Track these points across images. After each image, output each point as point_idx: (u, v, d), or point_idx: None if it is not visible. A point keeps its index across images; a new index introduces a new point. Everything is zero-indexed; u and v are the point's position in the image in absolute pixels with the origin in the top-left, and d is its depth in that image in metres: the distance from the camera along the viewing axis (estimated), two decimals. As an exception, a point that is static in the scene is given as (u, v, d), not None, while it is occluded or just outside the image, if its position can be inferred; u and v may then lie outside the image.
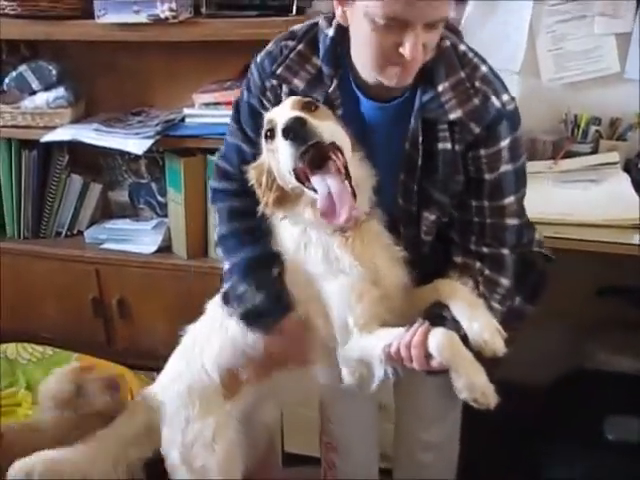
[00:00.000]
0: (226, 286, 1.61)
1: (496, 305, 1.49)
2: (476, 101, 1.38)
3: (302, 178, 1.37)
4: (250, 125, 1.56)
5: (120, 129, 2.58)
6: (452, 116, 1.38)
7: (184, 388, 1.68)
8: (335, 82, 1.43)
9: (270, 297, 1.51)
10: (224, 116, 2.13)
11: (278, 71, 1.47)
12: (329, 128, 1.36)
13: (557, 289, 1.73)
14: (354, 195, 1.35)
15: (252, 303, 1.53)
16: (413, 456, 1.89)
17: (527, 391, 2.05)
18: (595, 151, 2.41)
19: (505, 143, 1.41)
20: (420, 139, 1.41)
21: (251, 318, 1.55)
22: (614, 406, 1.56)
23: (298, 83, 1.46)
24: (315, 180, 1.35)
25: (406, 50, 1.29)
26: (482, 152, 1.42)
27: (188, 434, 1.66)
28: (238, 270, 1.57)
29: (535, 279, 1.68)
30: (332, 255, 1.44)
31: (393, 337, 1.36)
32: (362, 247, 1.44)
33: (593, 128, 2.41)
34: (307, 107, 1.39)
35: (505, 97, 1.41)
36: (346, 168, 1.36)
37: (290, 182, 1.40)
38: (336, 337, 1.47)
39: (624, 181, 2.23)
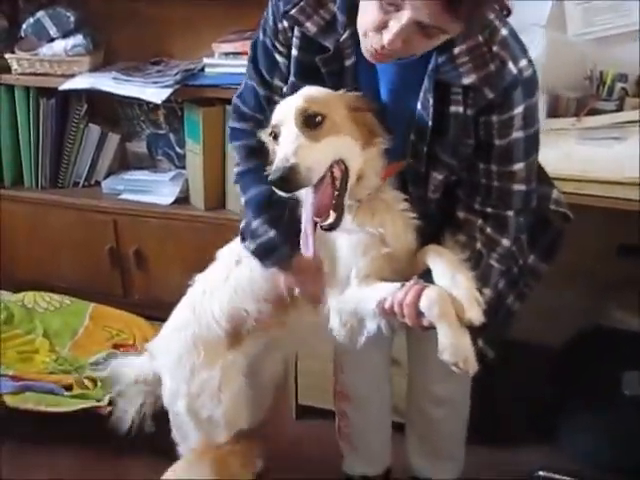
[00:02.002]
0: (243, 222, 1.62)
1: (495, 263, 1.48)
2: (492, 67, 1.34)
3: None
4: (265, 66, 1.54)
5: (139, 78, 2.56)
6: (466, 81, 1.35)
7: (189, 337, 1.67)
8: (348, 31, 1.39)
9: (282, 233, 1.52)
10: (244, 66, 2.08)
11: (292, 12, 1.43)
12: (327, 154, 1.33)
13: (577, 247, 1.72)
14: (336, 208, 1.33)
15: (265, 238, 1.54)
16: (424, 410, 1.89)
17: (544, 348, 2.05)
18: (620, 109, 2.35)
19: (519, 110, 1.38)
20: (431, 101, 1.38)
21: (264, 253, 1.56)
22: (630, 363, 1.54)
23: (310, 27, 1.42)
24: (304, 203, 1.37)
25: (384, 35, 1.26)
26: (494, 118, 1.38)
27: (194, 384, 1.66)
28: (252, 206, 1.58)
29: (550, 237, 1.66)
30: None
31: (388, 292, 1.36)
32: (373, 215, 1.43)
33: (619, 85, 2.36)
34: (311, 122, 1.34)
35: (523, 62, 1.36)
36: (342, 179, 1.35)
37: None
38: (333, 287, 1.47)
39: (648, 140, 2.19)
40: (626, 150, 2.16)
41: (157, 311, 2.40)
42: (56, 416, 2.23)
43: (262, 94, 1.56)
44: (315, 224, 1.34)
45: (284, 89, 1.51)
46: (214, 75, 2.51)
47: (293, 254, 1.51)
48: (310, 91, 1.39)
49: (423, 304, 1.30)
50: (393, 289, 1.36)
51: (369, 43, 1.31)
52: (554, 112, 2.38)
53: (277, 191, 1.30)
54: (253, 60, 1.57)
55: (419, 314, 1.32)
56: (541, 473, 2.12)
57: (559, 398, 1.78)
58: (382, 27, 1.26)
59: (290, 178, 1.26)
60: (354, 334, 1.47)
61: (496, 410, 2.23)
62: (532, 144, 1.44)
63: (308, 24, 1.42)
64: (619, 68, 2.36)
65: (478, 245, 1.47)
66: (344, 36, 1.40)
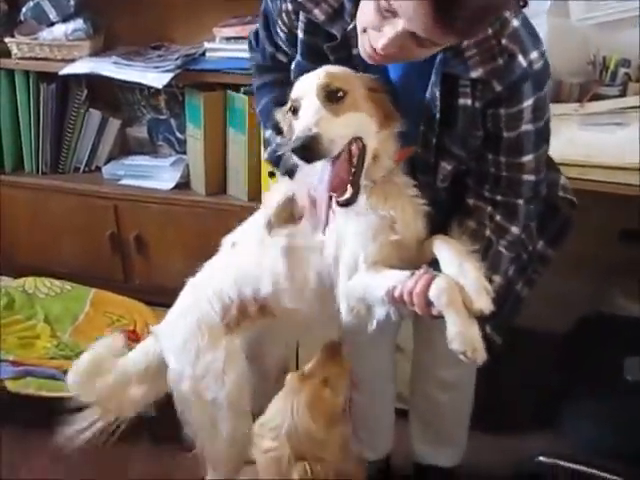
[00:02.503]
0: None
1: (504, 251, 1.48)
2: (500, 61, 1.32)
3: None
4: (273, 28, 1.55)
5: (140, 63, 2.55)
6: (473, 74, 1.34)
7: (193, 320, 1.68)
8: (355, 20, 1.37)
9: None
10: (245, 50, 2.09)
11: None
12: (347, 128, 1.33)
13: (579, 232, 1.71)
14: (354, 184, 1.34)
15: (274, 145, 1.57)
16: (429, 394, 1.90)
17: (546, 335, 2.05)
18: (623, 94, 2.34)
19: (528, 103, 1.37)
20: (438, 94, 1.37)
21: (275, 160, 1.58)
22: (632, 349, 1.54)
23: (318, 14, 1.41)
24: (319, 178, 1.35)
25: (379, 39, 1.25)
26: (502, 111, 1.38)
27: (198, 366, 1.67)
28: (263, 115, 1.63)
29: (559, 224, 1.66)
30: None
31: (398, 280, 1.36)
32: (384, 200, 1.42)
33: (622, 70, 2.35)
34: (333, 97, 1.34)
35: (534, 55, 1.34)
36: (359, 156, 1.35)
37: None
38: (340, 272, 1.47)
39: (651, 125, 2.18)
40: (629, 135, 2.15)
41: (158, 296, 2.40)
42: (57, 401, 2.23)
43: (269, 50, 1.59)
44: (330, 199, 1.33)
45: (289, 53, 1.54)
46: (215, 60, 2.50)
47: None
48: (331, 69, 1.39)
49: (432, 293, 1.30)
50: (403, 277, 1.36)
51: (366, 42, 1.30)
52: (557, 97, 2.37)
53: (297, 160, 1.30)
54: (264, 15, 1.58)
55: (428, 303, 1.31)
56: (542, 459, 2.12)
57: (561, 384, 1.79)
58: (376, 29, 1.25)
59: (312, 147, 1.26)
60: (362, 320, 1.47)
61: (498, 396, 2.23)
62: (542, 136, 1.44)
63: (316, 11, 1.41)
64: (622, 53, 2.35)
65: (487, 232, 1.47)
66: (351, 25, 1.39)
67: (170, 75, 2.46)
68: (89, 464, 2.25)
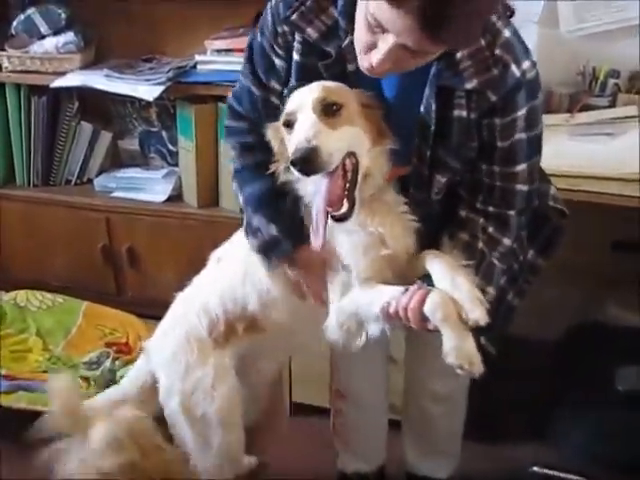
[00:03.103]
0: (244, 220, 1.61)
1: (496, 262, 1.48)
2: (495, 71, 1.33)
3: None
4: (262, 66, 1.53)
5: (131, 75, 2.55)
6: (468, 85, 1.34)
7: (182, 335, 1.68)
8: (350, 37, 1.37)
9: (284, 227, 1.51)
10: (236, 63, 2.11)
11: (292, 17, 1.42)
12: (343, 142, 1.33)
13: (572, 242, 1.72)
14: (347, 197, 1.33)
15: (266, 234, 1.53)
16: (422, 407, 1.90)
17: (538, 344, 2.06)
18: (613, 105, 2.35)
19: (522, 112, 1.37)
20: (434, 106, 1.37)
21: (267, 249, 1.54)
22: (624, 358, 1.54)
23: (311, 32, 1.41)
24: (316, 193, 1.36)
25: (373, 56, 1.26)
26: (497, 121, 1.38)
27: (188, 381, 1.66)
28: (251, 202, 1.57)
29: (549, 233, 1.66)
30: None
31: (391, 296, 1.36)
32: (374, 216, 1.42)
33: (612, 81, 2.36)
34: (329, 110, 1.34)
35: (526, 64, 1.35)
36: (353, 171, 1.35)
37: None
38: (333, 289, 1.47)
39: (641, 135, 2.20)
40: (619, 146, 2.17)
41: (150, 309, 2.39)
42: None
43: (257, 95, 1.55)
44: (327, 214, 1.33)
45: (284, 91, 1.50)
46: (206, 72, 2.50)
47: (296, 248, 1.50)
48: (326, 83, 1.39)
49: (427, 308, 1.30)
50: (396, 293, 1.35)
51: (363, 61, 1.31)
52: (547, 108, 2.37)
53: (295, 173, 1.30)
54: (249, 61, 1.55)
55: (424, 318, 1.31)
56: (535, 469, 2.13)
57: (554, 394, 1.79)
58: (372, 47, 1.26)
59: (312, 159, 1.26)
60: (351, 336, 1.46)
61: (491, 406, 2.23)
62: (535, 145, 1.44)
63: (309, 30, 1.41)
64: (612, 64, 2.36)
65: (480, 244, 1.47)
66: (346, 42, 1.39)
67: (161, 88, 2.46)
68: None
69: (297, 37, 1.44)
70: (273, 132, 1.46)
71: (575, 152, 2.13)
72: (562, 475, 2.09)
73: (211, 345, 1.65)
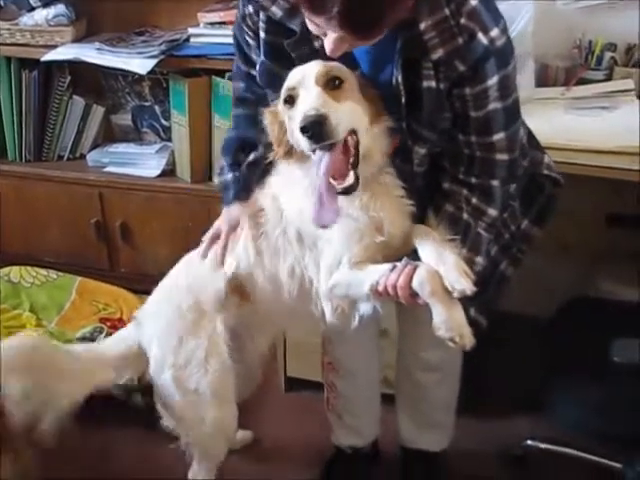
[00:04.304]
0: None
1: (483, 232, 1.49)
2: (460, 40, 1.32)
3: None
4: (242, 42, 1.56)
5: (123, 49, 2.53)
6: (434, 56, 1.33)
7: (176, 305, 1.67)
8: None
9: (236, 177, 1.62)
10: (229, 35, 2.08)
11: None
12: (348, 115, 1.33)
13: (566, 216, 1.71)
14: (354, 168, 1.33)
15: (224, 178, 1.65)
16: (415, 377, 1.90)
17: (532, 319, 2.06)
18: (609, 78, 2.34)
19: (493, 81, 1.35)
20: (400, 78, 1.37)
21: (221, 190, 1.67)
22: (619, 331, 1.54)
23: (275, 11, 1.41)
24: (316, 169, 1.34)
25: (325, 44, 1.28)
26: (467, 90, 1.37)
27: (181, 354, 1.66)
28: (225, 145, 1.69)
29: (543, 202, 1.66)
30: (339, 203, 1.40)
31: (380, 274, 1.37)
32: (371, 200, 1.42)
33: (608, 54, 2.34)
34: (331, 84, 1.34)
35: (494, 32, 1.33)
36: (356, 148, 1.35)
37: (300, 148, 1.39)
38: (321, 271, 1.46)
39: (637, 109, 2.18)
40: (615, 119, 2.15)
41: (143, 284, 2.39)
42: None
43: (243, 69, 1.60)
44: (333, 188, 1.32)
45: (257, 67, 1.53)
46: (199, 45, 2.48)
47: (234, 202, 1.62)
48: (324, 62, 1.37)
49: (415, 284, 1.31)
50: (385, 271, 1.36)
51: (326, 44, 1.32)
52: (543, 81, 2.37)
53: (304, 141, 1.30)
54: (234, 35, 1.59)
55: (413, 294, 1.33)
56: (529, 442, 2.14)
57: (548, 368, 1.79)
58: (324, 34, 1.28)
59: (322, 125, 1.26)
60: (345, 318, 1.48)
61: (484, 381, 2.24)
62: (511, 114, 1.43)
63: (273, 8, 1.42)
64: (608, 37, 2.34)
65: (465, 215, 1.47)
66: None
67: (154, 61, 2.44)
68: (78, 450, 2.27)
69: (262, 16, 1.45)
70: (271, 116, 1.46)
71: (570, 126, 2.12)
72: (557, 448, 2.11)
73: (204, 316, 1.64)
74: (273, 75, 1.49)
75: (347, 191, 1.33)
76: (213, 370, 1.65)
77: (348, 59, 1.40)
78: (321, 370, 2.06)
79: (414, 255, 1.38)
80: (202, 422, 1.70)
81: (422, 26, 1.32)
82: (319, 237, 1.45)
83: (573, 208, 1.93)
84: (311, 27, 1.30)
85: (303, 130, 1.27)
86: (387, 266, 1.37)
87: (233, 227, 1.61)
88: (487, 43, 1.32)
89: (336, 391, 2.02)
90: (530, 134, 1.62)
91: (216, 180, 1.74)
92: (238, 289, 1.62)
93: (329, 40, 1.26)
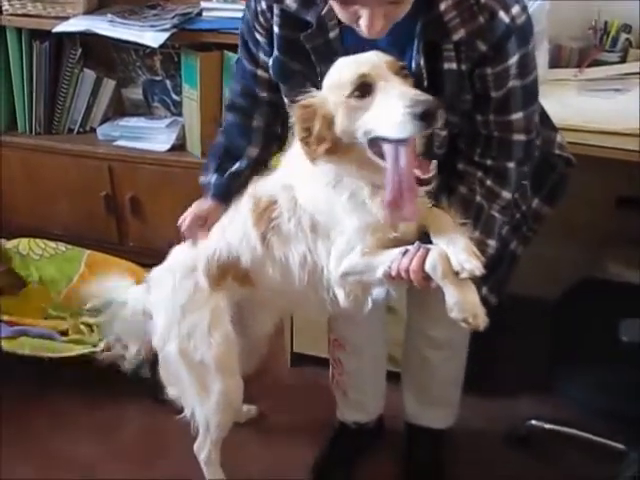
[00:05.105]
0: None
1: (496, 214, 1.49)
2: (481, 19, 1.31)
3: (376, 150, 1.31)
4: (251, 40, 1.55)
5: (135, 22, 2.52)
6: (455, 37, 1.33)
7: (179, 277, 1.68)
8: (328, 4, 1.36)
9: (218, 182, 1.68)
10: (242, 10, 2.07)
11: None
12: None
13: (576, 198, 1.71)
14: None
15: (207, 179, 1.71)
16: (422, 353, 1.91)
17: (539, 300, 2.06)
18: (623, 60, 2.33)
19: (514, 60, 1.35)
20: (422, 62, 1.36)
21: (202, 189, 1.72)
22: (626, 313, 1.55)
23: (290, 3, 1.41)
24: (391, 160, 1.28)
25: (361, 27, 1.27)
26: (489, 70, 1.36)
27: (184, 324, 1.67)
28: (213, 148, 1.74)
29: (554, 181, 1.66)
30: (360, 200, 1.39)
31: (392, 259, 1.36)
32: None
33: (623, 36, 2.32)
34: (402, 73, 1.31)
35: (515, 9, 1.32)
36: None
37: (355, 140, 1.33)
38: (332, 258, 1.45)
39: (651, 92, 2.17)
40: (628, 102, 2.14)
41: (152, 258, 2.39)
42: (53, 362, 2.25)
43: (248, 68, 1.59)
44: (413, 182, 1.29)
45: (269, 62, 1.52)
46: (212, 19, 2.48)
47: (208, 202, 1.68)
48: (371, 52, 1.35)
49: (428, 267, 1.31)
50: (397, 255, 1.36)
51: (359, 31, 1.31)
52: (556, 62, 2.36)
53: (414, 126, 1.22)
54: (241, 34, 1.59)
55: (426, 277, 1.32)
56: (534, 422, 2.15)
57: (554, 348, 1.79)
58: (358, 18, 1.27)
59: (435, 111, 1.22)
60: (358, 303, 1.49)
61: (490, 361, 2.25)
62: (530, 93, 1.42)
63: (288, 1, 1.41)
64: (624, 18, 2.32)
65: (478, 198, 1.47)
66: (325, 9, 1.38)
67: (166, 34, 2.43)
68: (86, 422, 2.29)
69: (275, 10, 1.45)
70: (307, 112, 1.35)
71: (583, 107, 2.11)
72: (561, 429, 2.12)
73: (208, 289, 1.65)
74: (287, 70, 1.50)
75: (428, 182, 1.31)
76: (217, 343, 1.66)
77: (359, 49, 1.39)
78: (327, 346, 2.07)
79: (425, 238, 1.37)
80: (207, 394, 1.72)
81: (442, 7, 1.31)
82: (332, 228, 1.44)
83: (583, 190, 1.92)
84: (342, 15, 1.29)
85: (424, 117, 1.20)
86: (399, 250, 1.36)
87: (199, 219, 1.68)
88: (509, 21, 1.31)
89: (341, 367, 2.03)
90: (543, 113, 1.60)
91: (200, 179, 1.75)
92: (238, 276, 1.62)
93: (365, 18, 1.25)
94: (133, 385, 2.18)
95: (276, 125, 1.68)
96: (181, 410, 1.83)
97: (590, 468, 2.04)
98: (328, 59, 1.41)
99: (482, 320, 1.31)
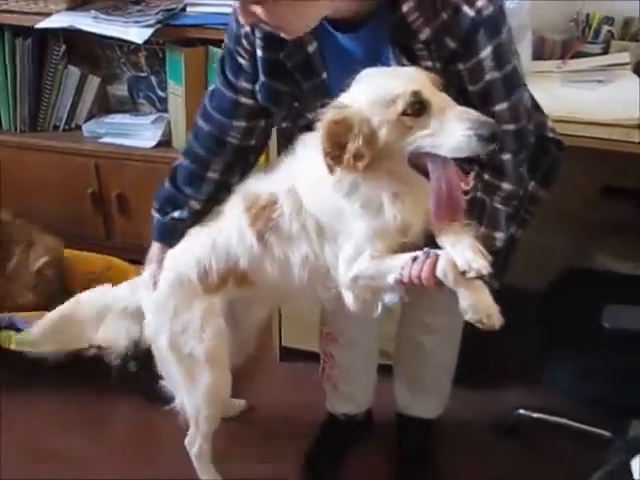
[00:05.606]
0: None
1: (499, 206, 1.49)
2: (444, 16, 1.31)
3: (419, 164, 1.31)
4: (230, 68, 1.56)
5: (119, 17, 2.51)
6: (422, 36, 1.33)
7: (173, 278, 1.67)
8: None
9: (157, 224, 1.75)
10: (226, 5, 2.07)
11: None
12: None
13: (561, 188, 1.72)
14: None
15: (153, 213, 1.77)
16: (413, 338, 1.92)
17: (526, 290, 2.07)
18: (606, 52, 2.34)
19: (486, 53, 1.35)
20: (404, 61, 1.37)
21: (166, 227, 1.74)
22: (611, 302, 1.55)
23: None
24: (437, 174, 1.29)
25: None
26: (461, 66, 1.37)
27: (176, 323, 1.67)
28: (161, 188, 1.76)
29: (548, 164, 1.66)
30: (375, 206, 1.38)
31: (402, 265, 1.36)
32: (401, 201, 1.37)
33: (605, 28, 2.34)
34: (440, 87, 1.30)
35: (481, 1, 1.31)
36: None
37: (395, 157, 1.31)
38: (340, 262, 1.46)
39: (633, 82, 2.19)
40: (611, 92, 2.16)
41: (139, 255, 2.39)
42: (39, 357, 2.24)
43: (227, 95, 1.59)
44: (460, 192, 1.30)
45: (255, 89, 1.53)
46: (196, 15, 2.47)
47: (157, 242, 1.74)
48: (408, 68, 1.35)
49: (439, 273, 1.31)
50: (407, 261, 1.36)
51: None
52: (539, 54, 2.37)
53: (477, 147, 1.21)
54: (221, 60, 1.59)
55: (438, 282, 1.32)
56: (522, 411, 2.17)
57: (540, 337, 1.80)
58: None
59: (498, 131, 1.23)
60: (368, 307, 1.48)
61: (478, 351, 2.26)
62: (512, 82, 1.42)
63: None
64: (606, 10, 2.34)
65: (478, 194, 1.47)
66: None
67: (151, 30, 2.42)
68: (75, 418, 2.29)
69: (257, 33, 1.46)
70: (340, 127, 1.29)
71: (567, 98, 2.12)
72: (549, 417, 2.14)
73: (201, 291, 1.65)
74: (275, 92, 1.51)
75: (469, 192, 1.33)
76: (208, 338, 1.66)
77: (341, 60, 1.41)
78: (318, 340, 2.07)
79: (432, 241, 1.38)
80: (196, 386, 1.72)
81: (404, 8, 1.32)
82: (340, 232, 1.44)
83: (568, 180, 1.93)
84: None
85: (491, 139, 1.21)
86: (408, 256, 1.36)
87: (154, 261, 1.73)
88: (474, 15, 1.31)
89: (333, 361, 2.04)
90: (531, 96, 1.60)
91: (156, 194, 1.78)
92: (237, 278, 1.62)
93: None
94: (122, 381, 2.18)
95: (234, 175, 1.68)
96: (172, 400, 1.83)
97: (578, 455, 2.06)
98: (312, 75, 1.43)
99: (497, 319, 1.31)
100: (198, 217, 1.68)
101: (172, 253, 1.72)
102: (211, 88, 1.65)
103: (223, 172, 1.66)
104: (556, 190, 1.70)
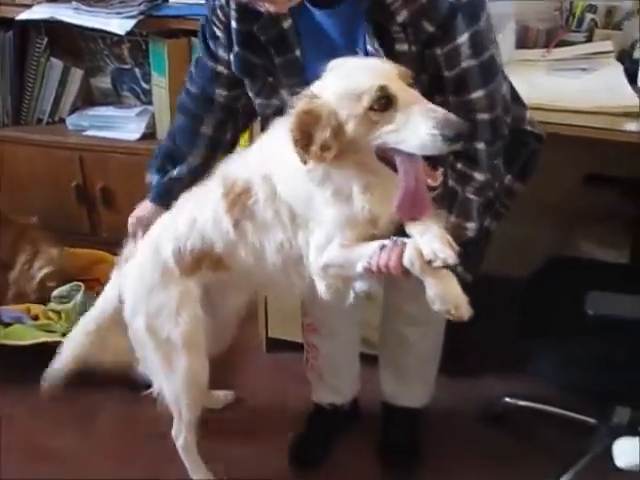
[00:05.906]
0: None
1: (472, 196, 1.49)
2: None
3: (387, 157, 1.30)
4: (210, 36, 1.58)
5: (101, 9, 2.49)
6: (399, 18, 1.33)
7: (149, 257, 1.67)
8: None
9: (159, 183, 1.75)
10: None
11: None
12: None
13: (545, 176, 1.72)
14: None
15: (149, 177, 1.78)
16: (397, 329, 1.92)
17: (509, 279, 2.09)
18: (589, 40, 2.35)
19: (463, 39, 1.35)
20: (376, 45, 1.36)
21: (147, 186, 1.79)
22: (594, 288, 1.56)
23: None
24: (404, 168, 1.28)
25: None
26: (438, 51, 1.37)
27: (152, 303, 1.67)
28: (157, 150, 1.79)
29: (526, 158, 1.66)
30: (345, 195, 1.38)
31: (370, 254, 1.36)
32: (371, 192, 1.37)
33: (589, 16, 2.34)
34: (409, 81, 1.29)
35: None
36: None
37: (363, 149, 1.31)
38: (311, 251, 1.46)
39: (617, 70, 2.19)
40: (594, 80, 2.16)
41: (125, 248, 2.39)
42: (22, 350, 2.24)
43: (208, 65, 1.61)
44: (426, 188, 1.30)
45: (231, 58, 1.54)
46: (178, 5, 2.45)
47: (154, 203, 1.76)
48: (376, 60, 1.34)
49: (406, 262, 1.31)
50: (375, 249, 1.36)
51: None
52: (524, 43, 2.37)
53: (442, 145, 1.21)
54: (202, 29, 1.61)
55: (405, 271, 1.32)
56: (507, 400, 2.18)
57: (525, 326, 1.81)
58: None
59: (463, 131, 1.22)
60: (340, 295, 1.48)
61: (463, 340, 2.26)
62: (488, 70, 1.42)
63: None
64: (589, -1, 2.35)
65: (450, 182, 1.47)
66: None
67: (133, 21, 2.41)
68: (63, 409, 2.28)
69: (232, 5, 1.46)
70: (309, 117, 1.29)
71: (551, 87, 2.13)
72: (534, 405, 2.15)
73: (177, 272, 1.64)
74: (248, 64, 1.52)
75: (437, 189, 1.32)
76: (184, 322, 1.66)
77: (316, 37, 1.41)
78: (301, 331, 2.08)
79: (402, 230, 1.37)
80: (174, 371, 1.72)
81: None
82: (311, 218, 1.44)
83: (552, 168, 1.93)
84: None
85: (456, 139, 1.20)
86: (376, 244, 1.36)
87: (142, 222, 1.75)
88: (452, 0, 1.31)
89: (316, 351, 2.04)
90: (513, 90, 1.61)
91: (146, 176, 1.80)
92: (212, 262, 1.61)
93: None
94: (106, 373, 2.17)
95: (225, 132, 1.71)
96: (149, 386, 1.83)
97: (563, 442, 2.07)
98: (285, 51, 1.42)
99: (465, 310, 1.31)
100: (197, 174, 1.67)
101: (160, 221, 1.72)
102: (195, 56, 1.70)
103: (216, 128, 1.69)
104: (540, 178, 1.70)
